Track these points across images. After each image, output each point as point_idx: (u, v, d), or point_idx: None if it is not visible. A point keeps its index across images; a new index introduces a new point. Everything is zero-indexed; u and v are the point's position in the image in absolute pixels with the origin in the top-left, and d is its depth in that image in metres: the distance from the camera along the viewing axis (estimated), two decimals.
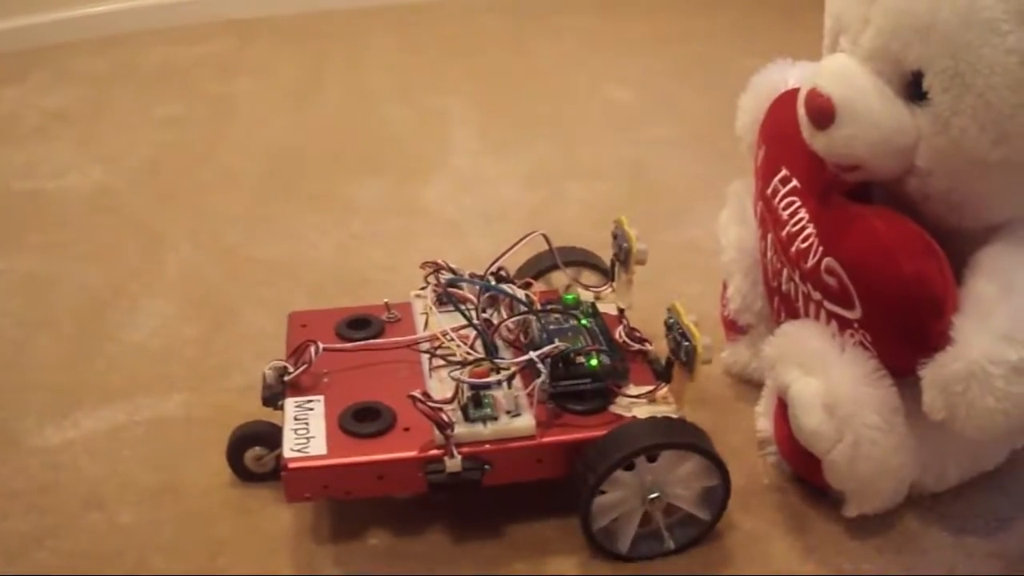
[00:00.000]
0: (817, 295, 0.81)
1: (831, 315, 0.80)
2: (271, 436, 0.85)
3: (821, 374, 0.79)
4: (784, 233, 0.85)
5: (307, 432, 0.78)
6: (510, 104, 1.69)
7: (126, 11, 2.04)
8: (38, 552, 0.82)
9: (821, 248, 0.80)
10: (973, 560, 0.81)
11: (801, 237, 0.82)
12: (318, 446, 0.77)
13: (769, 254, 0.89)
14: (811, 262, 0.81)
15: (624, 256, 0.92)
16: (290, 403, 0.82)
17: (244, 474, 0.88)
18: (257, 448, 0.87)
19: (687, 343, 0.78)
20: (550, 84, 1.77)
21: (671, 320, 0.80)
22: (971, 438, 0.75)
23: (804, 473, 0.85)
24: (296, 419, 0.80)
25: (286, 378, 0.84)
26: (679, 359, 0.80)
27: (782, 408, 0.83)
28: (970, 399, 0.72)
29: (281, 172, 1.46)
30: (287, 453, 0.76)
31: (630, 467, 0.77)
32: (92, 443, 0.93)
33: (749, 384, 0.96)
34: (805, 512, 0.85)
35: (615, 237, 0.93)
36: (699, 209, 1.28)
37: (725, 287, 0.98)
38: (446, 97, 1.70)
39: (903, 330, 0.76)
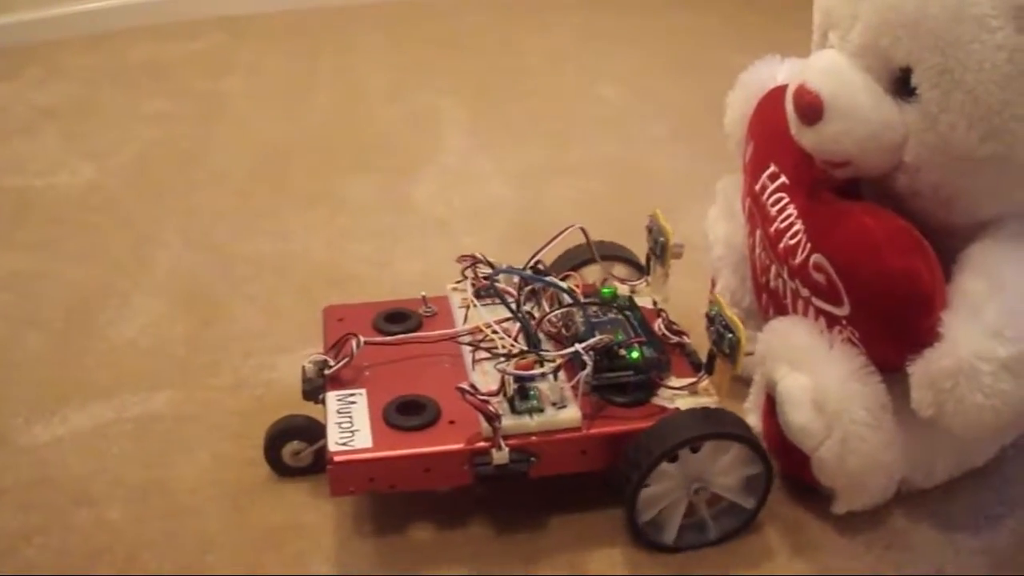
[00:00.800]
0: (805, 291, 0.81)
1: (819, 311, 0.81)
2: (309, 430, 0.85)
3: (809, 370, 0.79)
4: (772, 229, 0.85)
5: (351, 426, 0.77)
6: (500, 101, 1.68)
7: (117, 8, 2.04)
8: (27, 549, 0.81)
9: (809, 244, 0.80)
10: (961, 557, 0.81)
11: (789, 233, 0.82)
12: (363, 439, 0.76)
13: (757, 250, 0.89)
14: (799, 258, 0.81)
15: (660, 250, 0.92)
16: (332, 397, 0.81)
17: (281, 469, 0.87)
18: (295, 442, 0.86)
19: (731, 335, 0.78)
20: (540, 81, 1.77)
21: (713, 312, 0.80)
22: (960, 435, 0.75)
23: (792, 469, 0.85)
24: (339, 413, 0.79)
25: (327, 372, 0.83)
26: (721, 351, 0.80)
27: (770, 404, 0.83)
28: (959, 396, 0.72)
29: (271, 169, 1.45)
30: (332, 447, 0.75)
31: (674, 459, 0.77)
32: (81, 440, 0.93)
33: (737, 380, 0.96)
34: (793, 508, 0.85)
35: (650, 231, 0.93)
36: (687, 206, 1.27)
37: (713, 283, 0.98)
38: (436, 94, 1.70)
39: (891, 326, 0.76)
